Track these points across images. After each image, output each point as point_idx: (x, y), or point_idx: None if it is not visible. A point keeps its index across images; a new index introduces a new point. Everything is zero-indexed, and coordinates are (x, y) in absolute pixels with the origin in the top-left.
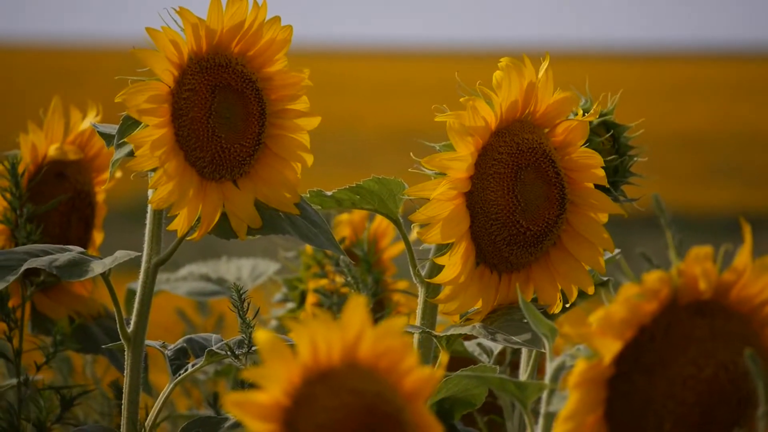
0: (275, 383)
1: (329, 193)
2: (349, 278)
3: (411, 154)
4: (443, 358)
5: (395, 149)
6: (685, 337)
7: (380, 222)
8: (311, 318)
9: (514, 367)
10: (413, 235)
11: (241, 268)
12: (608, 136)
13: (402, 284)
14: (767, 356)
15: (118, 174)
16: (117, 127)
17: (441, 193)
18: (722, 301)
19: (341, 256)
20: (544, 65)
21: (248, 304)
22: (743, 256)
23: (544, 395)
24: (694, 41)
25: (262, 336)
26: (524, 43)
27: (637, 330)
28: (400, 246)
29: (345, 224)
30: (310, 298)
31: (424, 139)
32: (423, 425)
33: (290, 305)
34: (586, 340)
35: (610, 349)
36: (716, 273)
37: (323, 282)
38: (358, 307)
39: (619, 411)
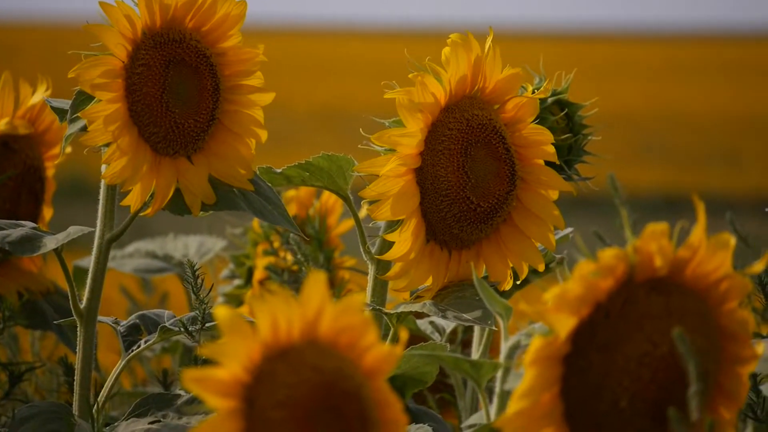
0: (235, 359)
1: (279, 170)
2: (299, 256)
3: (360, 130)
4: (402, 335)
5: (326, 128)
6: (641, 314)
7: (328, 199)
8: (271, 294)
9: (466, 345)
10: (363, 211)
11: (188, 245)
12: (562, 115)
13: (350, 261)
14: (723, 333)
15: (69, 149)
16: (69, 102)
17: (391, 170)
18: (678, 279)
19: (291, 234)
20: (489, 39)
21: (201, 281)
22: (698, 232)
23: (499, 374)
24: (623, 21)
25: (221, 312)
26: (465, 23)
27: (593, 307)
28: (349, 223)
29: (292, 201)
30: (258, 275)
31: (355, 117)
32: (383, 402)
33: (237, 282)
34: (542, 317)
35: (566, 325)
36: (672, 250)
37: (273, 259)
38: (318, 283)
39: (575, 388)
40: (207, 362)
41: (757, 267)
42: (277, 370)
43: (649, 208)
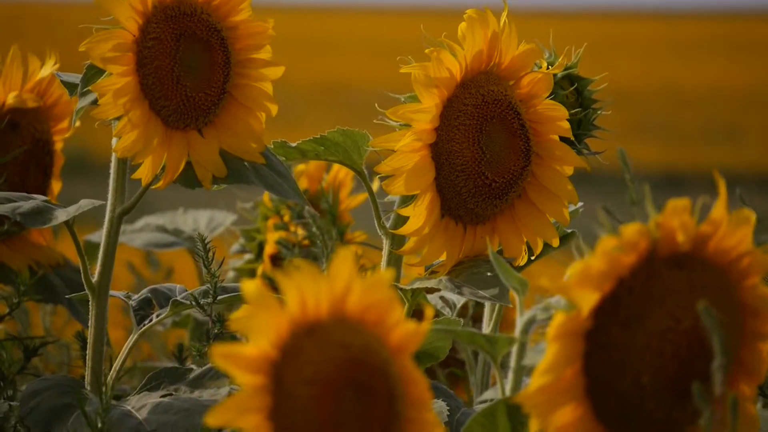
0: (263, 335)
1: (294, 144)
2: (315, 229)
3: (376, 105)
4: (428, 312)
5: (329, 105)
6: (664, 290)
7: (338, 172)
8: (298, 270)
9: (476, 320)
10: (375, 185)
11: (198, 220)
12: (572, 90)
13: (362, 236)
14: (744, 308)
15: (79, 123)
16: (79, 76)
17: (406, 145)
18: (700, 254)
19: (306, 207)
20: (504, 15)
21: (213, 254)
22: (719, 208)
23: (514, 349)
24: None
25: (249, 287)
26: (466, 2)
27: (615, 282)
28: (361, 197)
29: (301, 175)
30: (268, 249)
31: (358, 94)
32: (409, 379)
33: (248, 256)
34: (565, 292)
35: (589, 301)
36: (694, 225)
37: (284, 234)
38: (346, 259)
39: (597, 364)
40: (219, 337)
41: None
42: (304, 347)
43: (650, 184)
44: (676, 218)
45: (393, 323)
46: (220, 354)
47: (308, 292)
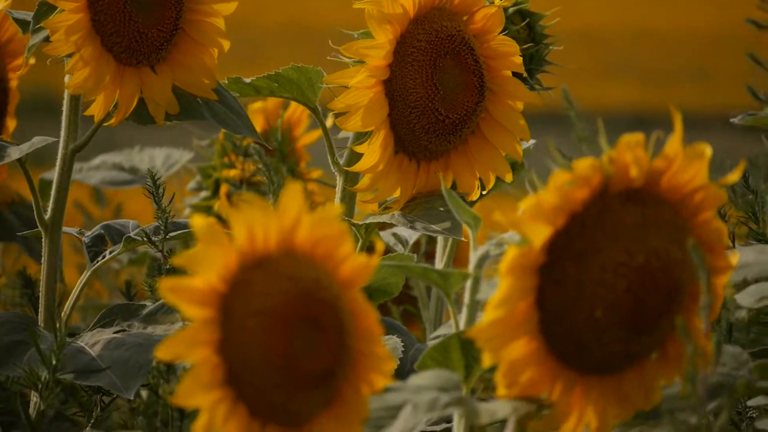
0: (211, 268)
1: (248, 81)
2: (261, 166)
3: (329, 42)
4: (379, 246)
5: (293, 45)
6: (617, 225)
7: (294, 110)
8: (247, 204)
9: (429, 257)
10: (329, 122)
11: (155, 157)
12: (524, 25)
13: (317, 173)
14: (698, 243)
15: (33, 60)
16: (31, 14)
17: (359, 81)
18: (654, 189)
19: (251, 145)
20: None
21: (163, 191)
22: (674, 143)
23: (468, 284)
24: None
25: (197, 221)
26: None
27: (568, 217)
28: (315, 134)
29: (258, 112)
30: (224, 187)
31: (321, 34)
32: (359, 312)
33: (204, 193)
34: (517, 226)
35: (541, 235)
36: (647, 160)
37: (234, 172)
38: (295, 193)
39: (551, 299)
40: (171, 272)
41: (732, 177)
42: (253, 280)
43: (619, 125)
44: (630, 153)
45: (343, 257)
46: (168, 287)
47: (257, 226)
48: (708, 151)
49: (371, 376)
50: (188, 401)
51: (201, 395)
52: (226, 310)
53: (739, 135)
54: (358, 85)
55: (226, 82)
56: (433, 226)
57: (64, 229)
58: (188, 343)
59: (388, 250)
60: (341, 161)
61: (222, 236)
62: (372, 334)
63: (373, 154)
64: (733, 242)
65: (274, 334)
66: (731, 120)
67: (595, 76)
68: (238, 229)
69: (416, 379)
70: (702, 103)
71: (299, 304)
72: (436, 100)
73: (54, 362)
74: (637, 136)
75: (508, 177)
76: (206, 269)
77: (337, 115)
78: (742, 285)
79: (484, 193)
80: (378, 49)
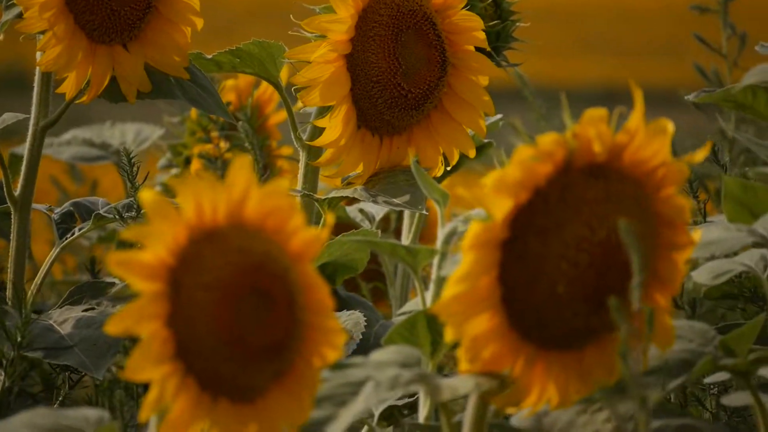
0: (160, 242)
1: (209, 56)
2: (247, 144)
3: (291, 16)
4: (329, 219)
5: (268, 21)
6: (580, 200)
7: (266, 88)
8: (196, 178)
9: (398, 233)
10: (299, 103)
11: (126, 133)
12: (490, 2)
13: (286, 150)
14: (660, 219)
15: (2, 36)
16: None
17: (321, 56)
18: (616, 164)
19: (239, 123)
20: None
21: (137, 168)
22: (636, 118)
23: (436, 260)
24: None
25: (147, 195)
26: None
27: (531, 192)
28: (285, 113)
29: (230, 90)
30: (195, 164)
31: (294, 9)
32: (309, 285)
33: (174, 171)
34: (481, 201)
35: (504, 209)
36: (611, 135)
37: (207, 147)
38: (242, 166)
39: (513, 273)
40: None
41: (699, 155)
42: (203, 253)
43: (590, 101)
44: (593, 128)
45: (292, 230)
46: (116, 261)
47: (205, 199)
48: (670, 127)
49: (322, 350)
50: (138, 375)
51: (151, 369)
52: (175, 284)
53: (711, 112)
54: (320, 60)
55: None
56: (395, 200)
57: (34, 205)
58: (137, 317)
59: (355, 226)
60: (304, 136)
61: (171, 210)
62: (323, 307)
63: (335, 128)
64: (705, 219)
65: (224, 308)
66: (686, 97)
67: (565, 51)
68: (187, 203)
69: (379, 355)
70: (674, 78)
71: (249, 277)
72: (398, 74)
73: (19, 339)
74: (600, 111)
75: (472, 152)
76: (155, 243)
77: (298, 90)
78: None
79: (449, 169)
80: (339, 23)
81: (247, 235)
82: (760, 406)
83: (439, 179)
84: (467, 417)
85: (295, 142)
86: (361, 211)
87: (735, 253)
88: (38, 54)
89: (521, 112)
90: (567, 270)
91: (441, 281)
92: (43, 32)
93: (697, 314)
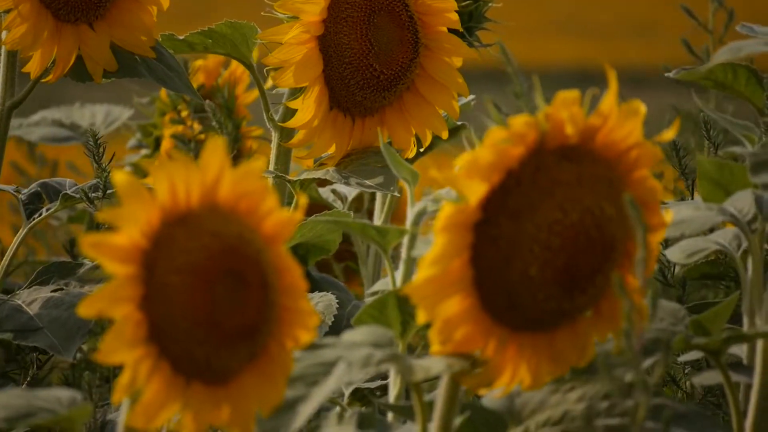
0: (133, 224)
1: (181, 37)
2: (214, 123)
3: None
4: (302, 200)
5: (241, 3)
6: (552, 182)
7: (236, 68)
8: (169, 160)
9: (371, 214)
10: (269, 82)
11: (95, 114)
12: None
13: (258, 131)
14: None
15: None
16: None
17: (293, 37)
18: (589, 146)
19: (206, 102)
20: None
21: (103, 149)
22: (609, 100)
23: (406, 241)
24: None
25: (120, 177)
26: None
27: (504, 174)
28: (256, 93)
29: (199, 71)
30: (165, 144)
31: None
32: (282, 267)
33: (144, 151)
34: (453, 183)
35: (477, 192)
36: (583, 117)
37: (180, 128)
38: (217, 148)
39: (486, 256)
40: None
41: (668, 134)
42: (176, 236)
43: (564, 82)
44: (565, 110)
45: (266, 212)
46: (89, 243)
47: (179, 181)
48: (642, 108)
49: (296, 332)
50: (111, 358)
51: (124, 352)
52: (149, 266)
53: (686, 91)
54: (292, 41)
55: (160, 39)
56: (367, 181)
57: (0, 186)
58: (110, 299)
59: (327, 207)
60: (276, 117)
61: (144, 192)
62: (296, 289)
63: (307, 109)
64: (693, 197)
65: (197, 290)
66: (666, 74)
67: (538, 32)
68: (161, 185)
69: (351, 336)
70: (648, 59)
71: (222, 260)
72: (371, 56)
73: None
74: (573, 93)
75: (445, 134)
76: (129, 225)
77: (271, 71)
78: (679, 241)
79: (422, 150)
80: (312, 4)
81: (220, 218)
82: (730, 384)
83: (412, 160)
84: (439, 397)
85: (267, 123)
86: (334, 191)
87: (712, 231)
88: (3, 33)
89: (495, 93)
90: (539, 253)
91: (411, 261)
92: (8, 11)
93: (679, 296)
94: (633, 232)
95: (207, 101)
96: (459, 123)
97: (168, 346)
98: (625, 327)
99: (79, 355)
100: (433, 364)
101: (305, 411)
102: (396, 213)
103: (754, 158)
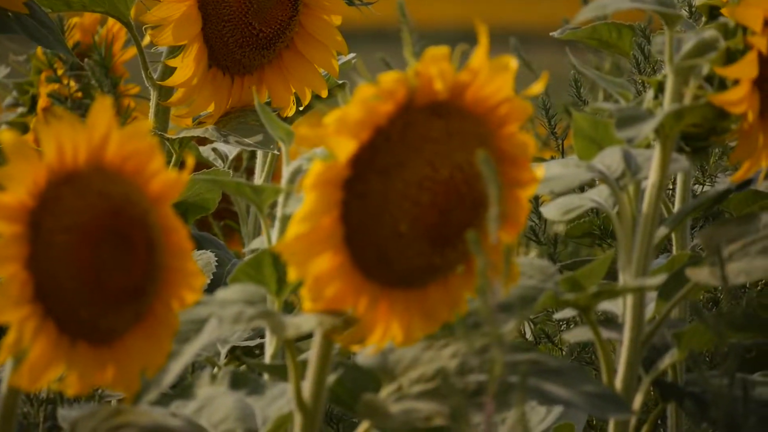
0: (20, 183)
1: None
2: (94, 81)
3: None
4: (189, 160)
5: None
6: (422, 138)
7: (113, 25)
8: (57, 119)
9: (251, 173)
10: (147, 39)
11: None
12: None
13: (135, 89)
14: (501, 156)
15: None
16: None
17: None
18: (459, 103)
19: (85, 60)
20: None
21: None
22: (479, 56)
23: (281, 199)
24: None
25: (6, 136)
26: None
27: (373, 131)
28: (133, 50)
29: (76, 28)
30: (42, 103)
31: None
32: (169, 228)
33: (21, 110)
34: (323, 140)
35: (346, 149)
36: (452, 73)
37: (56, 86)
38: (104, 108)
39: (356, 212)
40: None
41: (536, 89)
42: (63, 195)
43: (447, 42)
44: (435, 66)
45: (152, 172)
46: None
47: (66, 141)
48: (513, 64)
49: (181, 292)
50: None
51: (9, 311)
52: (35, 226)
53: (581, 51)
54: None
55: None
56: (246, 140)
57: None
58: None
59: (207, 165)
60: (155, 76)
61: (31, 152)
62: (182, 249)
63: (186, 68)
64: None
65: (83, 250)
66: (551, 34)
67: None
68: (47, 145)
69: (223, 293)
70: (529, 19)
71: (108, 220)
72: (250, 14)
73: None
74: (443, 50)
75: (324, 92)
76: (15, 185)
77: (149, 30)
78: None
79: (301, 109)
80: None
81: (107, 178)
82: (600, 340)
83: (292, 119)
84: (312, 355)
85: (146, 82)
86: (215, 150)
87: (583, 189)
88: None
89: (383, 53)
90: (409, 209)
91: (285, 219)
92: None
93: (558, 253)
94: (504, 188)
95: (86, 59)
96: (340, 82)
97: (54, 306)
98: (480, 284)
99: None
100: (305, 321)
101: (175, 367)
102: (277, 171)
103: (620, 113)
